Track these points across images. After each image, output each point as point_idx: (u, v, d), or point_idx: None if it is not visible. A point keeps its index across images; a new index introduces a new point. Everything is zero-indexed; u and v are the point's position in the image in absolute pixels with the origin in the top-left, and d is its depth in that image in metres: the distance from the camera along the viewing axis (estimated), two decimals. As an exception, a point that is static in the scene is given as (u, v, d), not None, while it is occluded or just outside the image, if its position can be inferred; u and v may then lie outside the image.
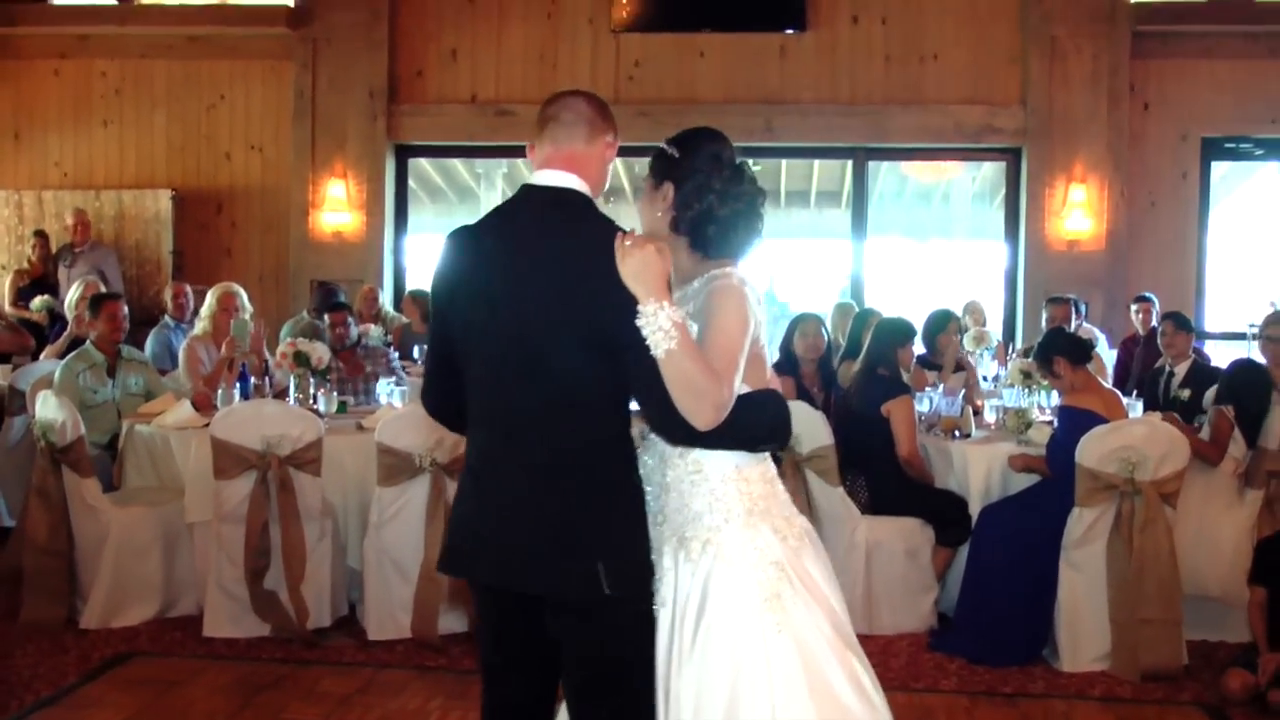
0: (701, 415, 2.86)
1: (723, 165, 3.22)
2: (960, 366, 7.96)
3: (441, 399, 3.30)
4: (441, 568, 3.29)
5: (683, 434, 2.94)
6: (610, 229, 2.99)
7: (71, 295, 9.94)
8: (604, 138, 3.19)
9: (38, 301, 11.13)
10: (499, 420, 3.09)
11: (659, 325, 2.82)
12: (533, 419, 3.03)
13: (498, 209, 3.25)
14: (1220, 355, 9.95)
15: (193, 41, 12.54)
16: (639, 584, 3.06)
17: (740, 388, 2.99)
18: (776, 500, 3.16)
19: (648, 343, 2.83)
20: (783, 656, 2.99)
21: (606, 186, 3.27)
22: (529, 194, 3.16)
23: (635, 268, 2.86)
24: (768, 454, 3.20)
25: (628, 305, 2.86)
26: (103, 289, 9.52)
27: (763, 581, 3.02)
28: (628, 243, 2.91)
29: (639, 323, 2.84)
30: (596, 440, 3.04)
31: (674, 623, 3.06)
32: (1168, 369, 8.39)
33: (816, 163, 16.26)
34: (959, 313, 10.28)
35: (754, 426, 3.07)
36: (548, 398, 3.02)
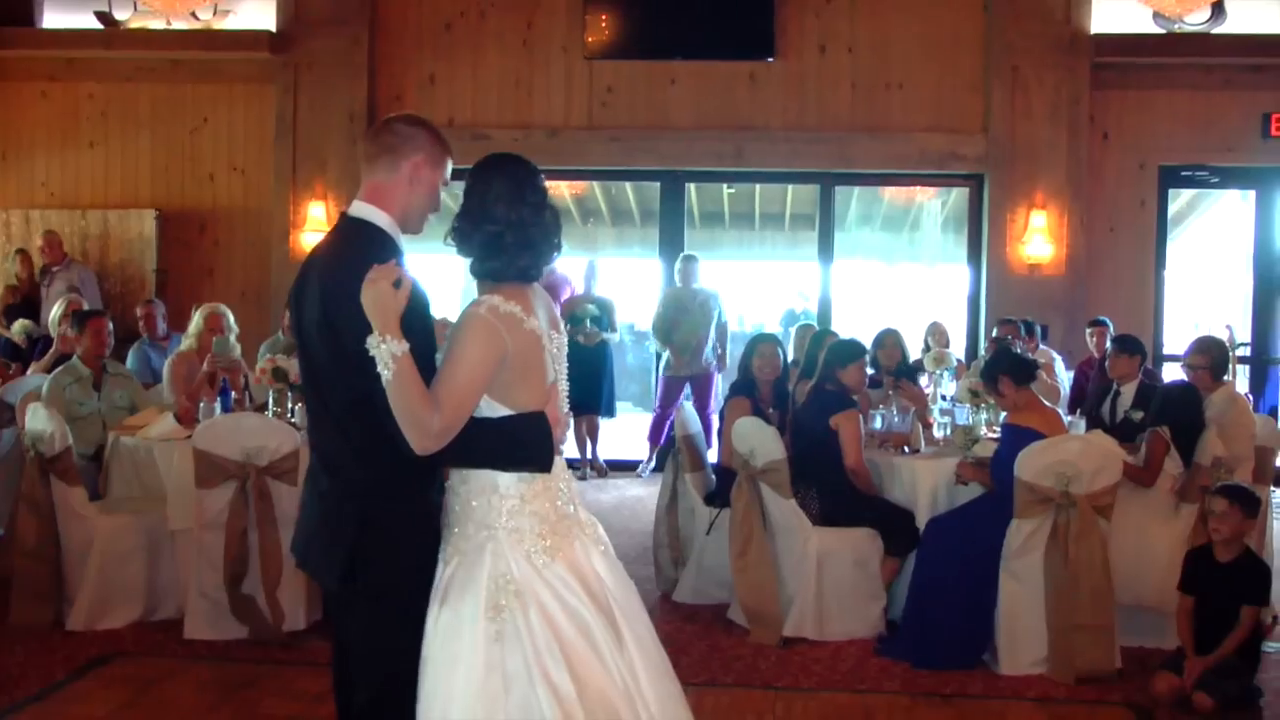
0: (414, 441, 3.10)
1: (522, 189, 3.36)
2: (895, 390, 8.22)
3: None
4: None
5: (416, 450, 3.13)
6: (370, 261, 3.14)
7: (54, 313, 10.18)
8: (407, 160, 3.38)
9: (17, 326, 11.35)
10: (310, 424, 3.48)
11: (380, 356, 3.05)
12: (315, 424, 3.43)
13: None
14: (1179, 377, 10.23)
15: (177, 65, 12.79)
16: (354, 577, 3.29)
17: (491, 410, 3.24)
18: (536, 518, 3.26)
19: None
20: (496, 663, 3.15)
21: (433, 205, 3.45)
22: (337, 222, 3.47)
23: (368, 300, 3.08)
24: (536, 475, 3.29)
25: (363, 332, 3.09)
26: (85, 306, 9.77)
27: (492, 591, 3.17)
28: (372, 275, 3.09)
29: (369, 350, 3.07)
30: (349, 448, 3.31)
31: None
32: (1114, 390, 8.71)
33: (790, 187, 16.55)
34: (923, 334, 10.66)
35: (496, 450, 3.26)
36: (317, 407, 3.40)
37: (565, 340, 3.48)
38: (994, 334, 10.33)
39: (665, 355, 11.78)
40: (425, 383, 3.11)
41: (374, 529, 3.27)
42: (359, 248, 3.27)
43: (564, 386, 3.45)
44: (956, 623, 6.38)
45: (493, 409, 3.25)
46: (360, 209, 3.39)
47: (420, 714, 3.20)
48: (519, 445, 3.26)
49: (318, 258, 3.39)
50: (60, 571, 6.81)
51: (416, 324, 3.19)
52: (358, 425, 3.24)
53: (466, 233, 3.34)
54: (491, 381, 3.21)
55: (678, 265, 11.91)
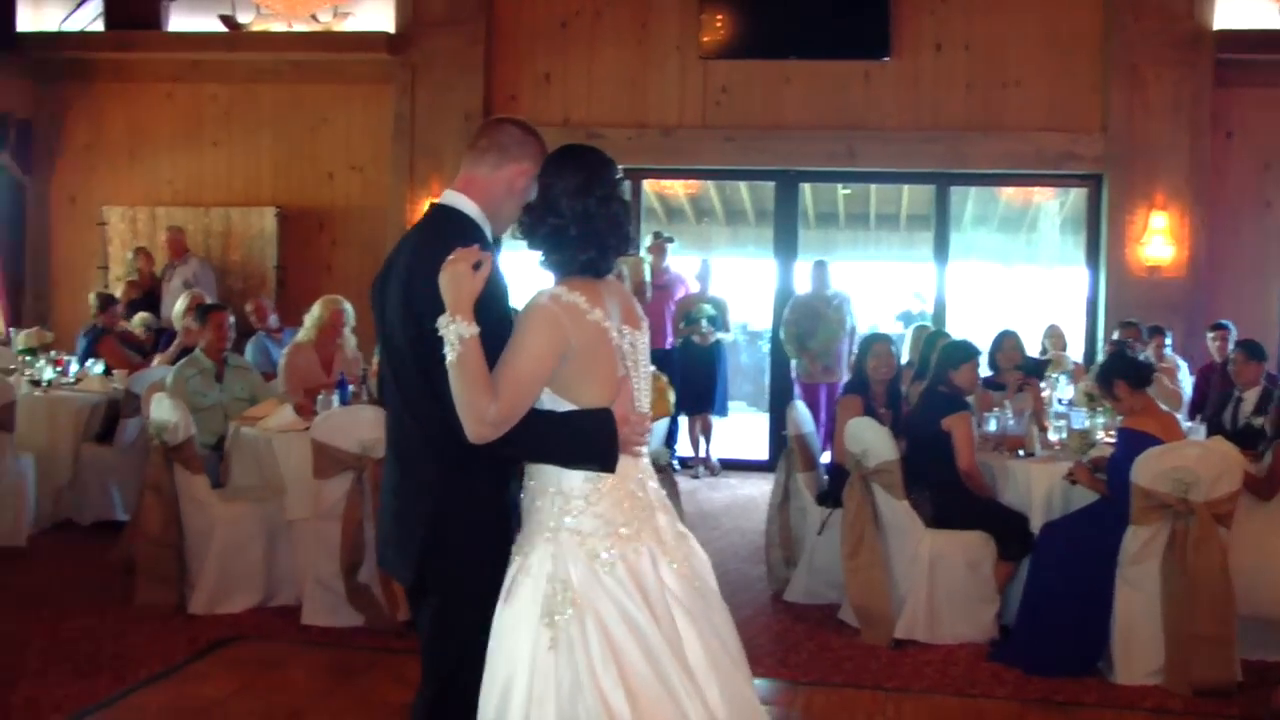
0: (469, 428, 3.05)
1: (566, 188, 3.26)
2: (1023, 388, 8.14)
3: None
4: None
5: (471, 438, 3.08)
6: (454, 245, 3.14)
7: (178, 307, 10.46)
8: (514, 164, 3.38)
9: (137, 319, 11.64)
10: (388, 420, 3.48)
11: (448, 337, 3.03)
12: (393, 420, 3.42)
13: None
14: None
15: (298, 66, 13.03)
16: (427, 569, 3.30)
17: (554, 405, 3.17)
18: (601, 521, 3.16)
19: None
20: (549, 669, 3.07)
21: (514, 212, 3.39)
22: (426, 211, 3.49)
23: (445, 280, 3.07)
24: (603, 475, 3.18)
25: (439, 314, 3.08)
26: (207, 300, 10.01)
27: (549, 595, 3.09)
28: (453, 256, 3.09)
29: (439, 330, 3.06)
30: (422, 442, 3.30)
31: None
32: (1236, 395, 8.53)
33: (906, 187, 16.42)
34: (1041, 337, 10.53)
35: (556, 445, 3.18)
36: (394, 402, 3.38)
37: (644, 337, 3.38)
38: (1115, 336, 10.14)
39: (799, 362, 11.68)
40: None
41: (445, 526, 3.26)
42: (445, 232, 3.28)
43: (641, 384, 3.33)
44: (1070, 629, 6.29)
45: (556, 403, 3.18)
46: (451, 197, 3.41)
47: (479, 713, 3.17)
48: (581, 442, 3.17)
49: (404, 243, 3.41)
50: (183, 557, 6.99)
51: (494, 312, 3.15)
52: (431, 418, 3.19)
53: (532, 226, 3.29)
54: (553, 373, 3.14)
55: (810, 271, 11.83)
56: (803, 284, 12.08)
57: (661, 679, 3.08)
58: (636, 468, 3.27)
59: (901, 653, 6.53)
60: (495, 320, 3.14)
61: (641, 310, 3.46)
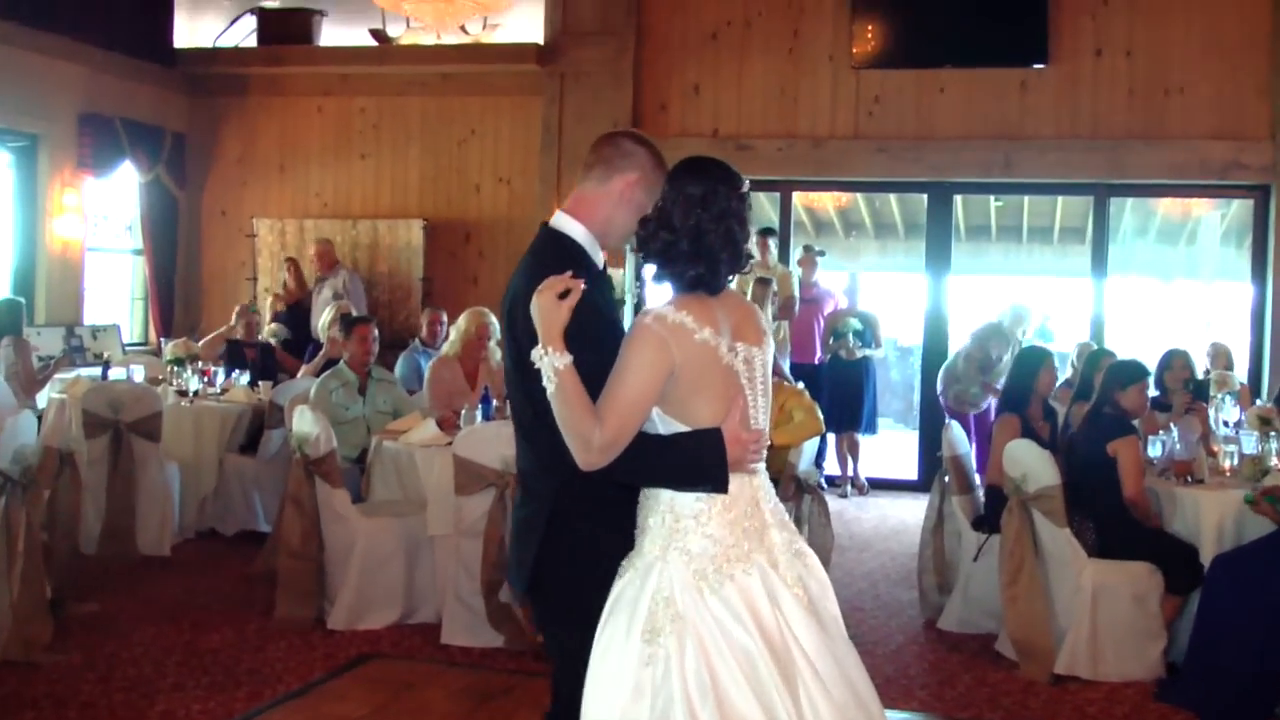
0: (578, 456, 3.03)
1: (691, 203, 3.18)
2: (1190, 409, 7.73)
3: None
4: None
5: (581, 465, 3.06)
6: (552, 272, 3.11)
7: (324, 318, 10.52)
8: (621, 176, 3.34)
9: (267, 329, 11.78)
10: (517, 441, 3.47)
11: (545, 369, 3.02)
12: (516, 440, 3.43)
13: None
14: None
15: (447, 79, 13.08)
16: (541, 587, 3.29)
17: (665, 427, 3.11)
18: (711, 541, 3.08)
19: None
20: (646, 689, 2.99)
21: (627, 224, 3.35)
22: (538, 232, 3.44)
23: (535, 312, 3.06)
24: (715, 495, 3.11)
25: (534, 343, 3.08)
26: (354, 312, 10.03)
27: (652, 613, 3.02)
28: (542, 286, 3.06)
29: (534, 362, 3.05)
30: (535, 462, 3.29)
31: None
32: None
33: (1060, 199, 15.96)
34: (1203, 355, 10.05)
35: (665, 467, 3.13)
36: (515, 422, 3.40)
37: (763, 353, 3.26)
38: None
39: (974, 392, 11.09)
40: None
41: (558, 542, 3.23)
42: (544, 258, 3.26)
43: (759, 401, 3.22)
44: (1247, 670, 5.86)
45: (668, 425, 3.12)
46: (559, 220, 3.39)
47: None
48: (690, 463, 3.11)
49: (518, 266, 3.39)
50: (322, 571, 6.94)
51: (593, 336, 3.11)
52: (541, 438, 3.20)
53: (645, 239, 3.24)
54: (661, 395, 3.08)
55: (1007, 311, 11.30)
56: (960, 301, 11.57)
57: (767, 711, 2.95)
58: (750, 486, 3.19)
59: (1062, 689, 6.18)
60: (597, 344, 3.12)
61: (766, 324, 3.35)
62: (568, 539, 3.23)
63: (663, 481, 3.14)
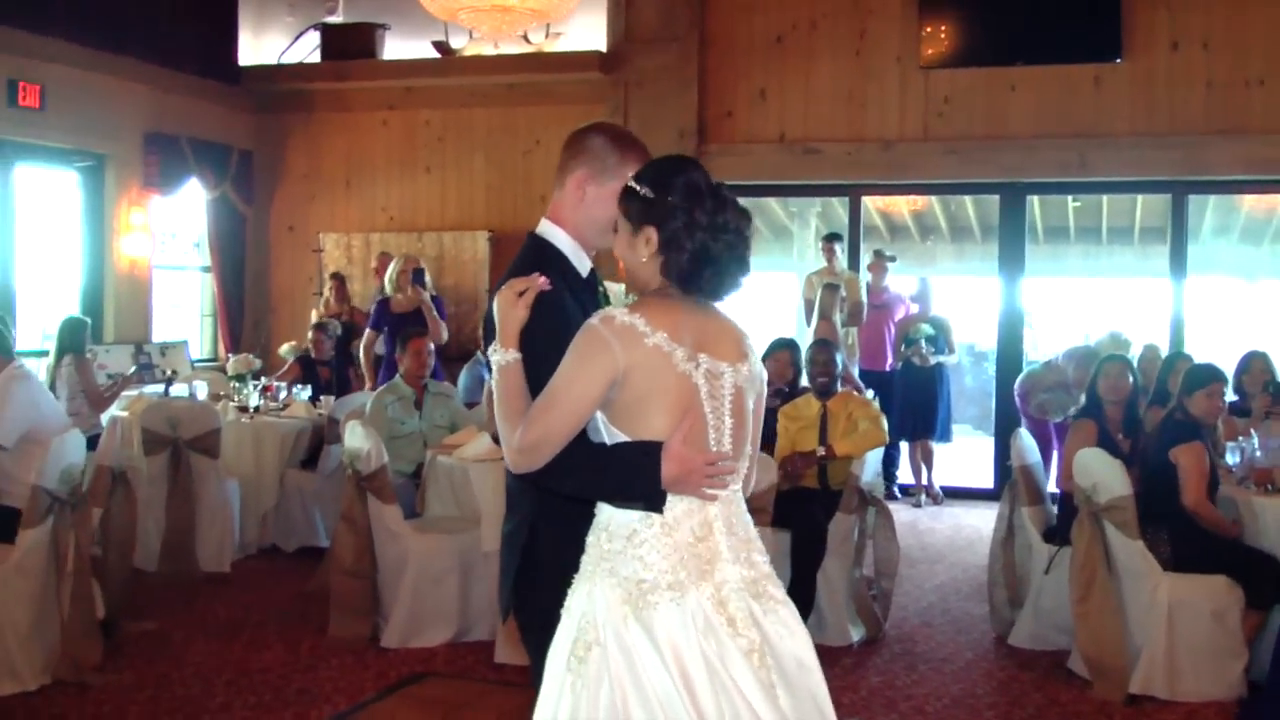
0: (506, 455, 2.93)
1: (704, 195, 2.93)
2: (1270, 414, 7.40)
3: None
4: None
5: (509, 467, 2.96)
6: (511, 275, 3.10)
7: (392, 269, 10.56)
8: (570, 176, 3.25)
9: (284, 349, 11.75)
10: None
11: (493, 364, 2.97)
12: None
13: None
14: None
15: (511, 89, 12.98)
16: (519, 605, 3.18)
17: (611, 437, 2.89)
18: (641, 564, 2.83)
19: None
20: (566, 715, 2.82)
21: (592, 223, 3.24)
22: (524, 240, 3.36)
23: (495, 312, 3.01)
24: (652, 516, 2.87)
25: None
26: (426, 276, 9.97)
27: (577, 637, 2.84)
28: (504, 286, 3.01)
29: (491, 358, 3.00)
30: (514, 478, 3.09)
31: None
32: None
33: (1140, 198, 15.58)
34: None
35: (592, 477, 2.91)
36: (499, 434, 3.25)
37: (735, 372, 2.95)
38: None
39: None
40: None
41: (534, 560, 3.11)
42: (519, 264, 3.20)
43: (725, 423, 2.93)
44: (1335, 687, 5.60)
45: (613, 435, 2.89)
46: (543, 227, 3.31)
47: None
48: (622, 477, 2.86)
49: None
50: (376, 588, 6.85)
51: (556, 338, 2.91)
52: None
53: (707, 245, 2.98)
54: (607, 402, 2.86)
55: (1105, 337, 10.89)
56: (1039, 304, 11.26)
57: None
58: (705, 511, 2.90)
59: (1138, 709, 5.91)
60: (559, 346, 2.89)
61: (749, 346, 3.05)
62: (545, 556, 3.08)
63: (595, 494, 2.94)
